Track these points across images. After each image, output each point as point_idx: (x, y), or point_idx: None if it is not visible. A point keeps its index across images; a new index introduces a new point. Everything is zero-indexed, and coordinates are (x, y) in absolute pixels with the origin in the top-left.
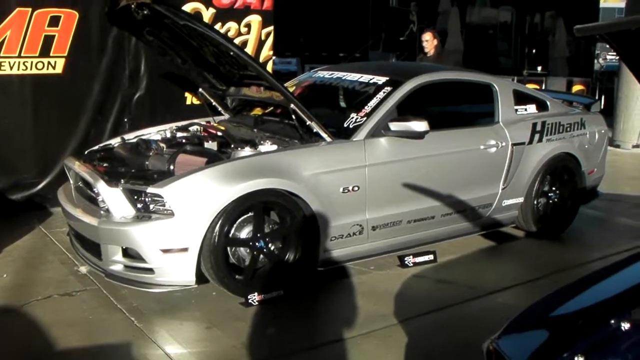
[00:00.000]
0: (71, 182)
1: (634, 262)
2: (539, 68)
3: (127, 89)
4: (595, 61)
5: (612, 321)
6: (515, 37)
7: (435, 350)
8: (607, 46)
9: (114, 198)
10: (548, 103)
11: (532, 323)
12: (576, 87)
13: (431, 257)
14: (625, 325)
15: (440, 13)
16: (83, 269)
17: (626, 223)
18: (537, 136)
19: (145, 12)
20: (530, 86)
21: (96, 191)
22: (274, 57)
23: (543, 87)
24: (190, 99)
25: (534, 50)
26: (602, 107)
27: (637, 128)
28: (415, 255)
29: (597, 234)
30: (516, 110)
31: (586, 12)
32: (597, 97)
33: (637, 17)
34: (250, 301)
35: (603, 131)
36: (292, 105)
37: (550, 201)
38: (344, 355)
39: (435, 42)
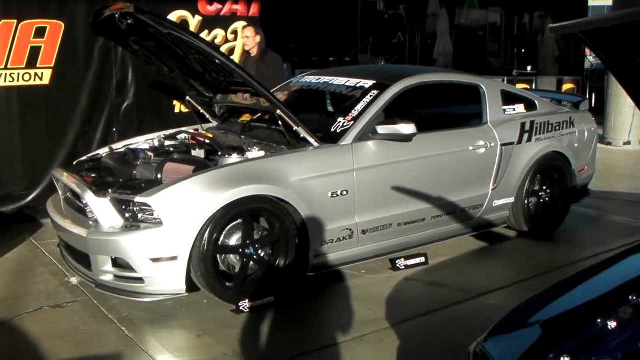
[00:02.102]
0: (60, 193)
1: (619, 260)
2: (529, 68)
3: (114, 99)
4: (586, 60)
5: (599, 320)
6: (505, 37)
7: (427, 353)
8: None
9: (102, 208)
10: (536, 102)
11: (519, 324)
12: (566, 86)
13: (423, 259)
14: (612, 324)
15: (429, 15)
16: (74, 280)
17: (618, 221)
18: (526, 136)
19: (130, 21)
20: (520, 86)
21: (84, 202)
22: None
23: (533, 87)
24: (178, 107)
25: (523, 50)
26: (592, 105)
27: (627, 125)
28: (407, 258)
29: (589, 232)
30: (504, 110)
31: (575, 10)
32: (587, 96)
33: (610, 15)
34: (241, 308)
35: (592, 129)
36: (278, 111)
37: (541, 200)
38: None
39: (258, 38)
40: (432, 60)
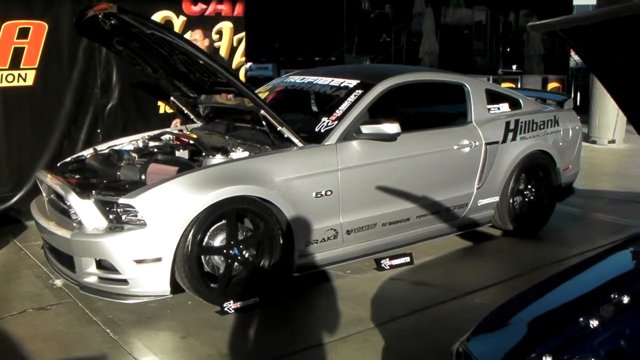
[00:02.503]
0: (44, 195)
1: (601, 259)
2: (514, 67)
3: (99, 100)
4: (571, 58)
5: (581, 319)
6: (490, 36)
7: (413, 353)
8: None
9: (86, 210)
10: (521, 101)
11: (502, 323)
12: (551, 85)
13: (408, 259)
14: (594, 323)
15: (415, 15)
16: (58, 282)
17: (603, 219)
18: (510, 135)
19: (113, 22)
20: (506, 85)
21: (68, 203)
22: (249, 64)
23: (518, 86)
24: (163, 107)
25: (508, 49)
26: (577, 104)
27: (612, 124)
28: (392, 258)
29: (574, 231)
30: (489, 109)
31: (560, 9)
32: (572, 95)
33: (589, 13)
34: (226, 309)
35: (577, 127)
36: (262, 112)
37: (526, 199)
38: None
39: (206, 42)
40: (417, 59)
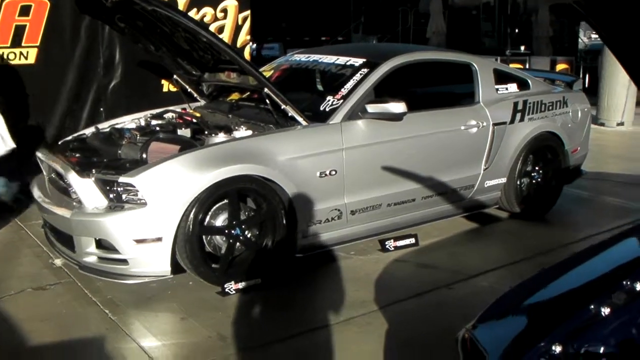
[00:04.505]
0: (44, 173)
1: (612, 244)
2: (522, 48)
3: (102, 78)
4: (580, 40)
5: (592, 306)
6: (498, 17)
7: (416, 336)
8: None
9: (85, 189)
10: (529, 82)
11: (509, 310)
12: (560, 66)
13: (412, 240)
14: (605, 310)
15: None
16: (58, 262)
17: (611, 202)
18: (518, 115)
19: None
20: (514, 66)
21: (68, 182)
22: (251, 42)
23: (526, 67)
24: (166, 86)
25: (517, 30)
26: (586, 85)
27: (620, 106)
28: (397, 239)
29: (582, 213)
30: (497, 89)
31: None
32: (580, 76)
33: None
34: (227, 290)
35: (586, 109)
36: (266, 90)
37: (534, 181)
38: (323, 344)
39: None
40: (425, 39)
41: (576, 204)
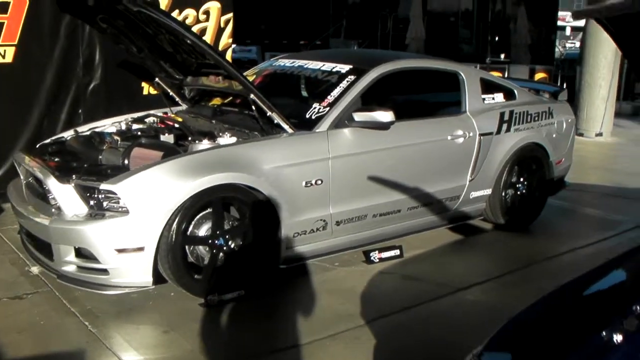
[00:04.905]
0: (22, 177)
1: (616, 266)
2: (502, 56)
3: (81, 79)
4: (557, 49)
5: (604, 333)
6: (477, 24)
7: (404, 352)
8: (567, 34)
9: (65, 195)
10: (515, 92)
11: (517, 337)
12: (539, 75)
13: (397, 252)
14: (618, 337)
15: (402, 0)
16: (35, 270)
17: (594, 214)
18: (505, 126)
19: None
20: (494, 74)
21: (47, 188)
22: (233, 45)
23: (506, 75)
24: (147, 89)
25: (496, 38)
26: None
27: (600, 117)
28: (381, 250)
29: (566, 225)
30: (483, 99)
31: None
32: (560, 85)
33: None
34: (210, 302)
35: (570, 120)
36: (252, 96)
37: (518, 192)
38: (310, 359)
39: None
40: (404, 45)
41: (559, 215)
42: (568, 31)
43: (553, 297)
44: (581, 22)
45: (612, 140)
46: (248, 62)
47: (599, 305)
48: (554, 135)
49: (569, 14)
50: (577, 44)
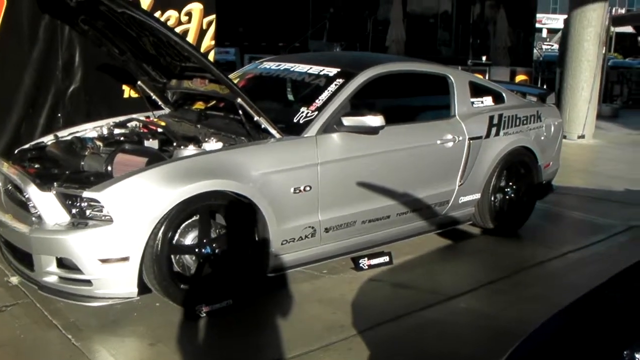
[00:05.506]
0: (0, 185)
1: (629, 278)
2: (484, 58)
3: (60, 82)
4: (534, 51)
5: (625, 352)
6: (455, 26)
7: None
8: (544, 36)
9: (46, 203)
10: (504, 95)
11: (534, 357)
12: (519, 77)
13: (386, 258)
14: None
15: (382, 2)
16: (14, 280)
17: (581, 218)
18: (494, 130)
19: None
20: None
21: (27, 195)
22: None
23: (487, 77)
24: (128, 92)
25: (477, 40)
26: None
27: (582, 119)
28: (370, 257)
29: (554, 229)
30: (472, 103)
31: (524, 1)
32: (541, 87)
33: None
34: (197, 312)
35: (557, 123)
36: (238, 100)
37: (507, 197)
38: None
39: None
40: (384, 47)
41: (546, 219)
42: (544, 33)
43: (565, 314)
44: (558, 24)
45: (594, 143)
46: (226, 64)
47: (616, 322)
48: (542, 139)
49: (546, 16)
50: (555, 46)
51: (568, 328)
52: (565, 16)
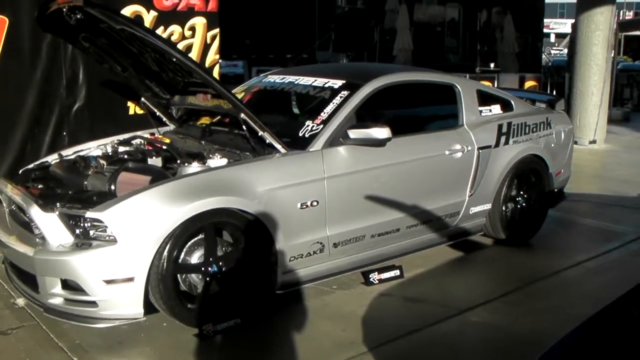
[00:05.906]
0: (4, 205)
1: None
2: (492, 65)
3: (64, 100)
4: (542, 56)
5: None
6: (463, 33)
7: None
8: (552, 41)
9: (49, 224)
10: (512, 103)
11: None
12: (529, 83)
13: (397, 272)
14: None
15: (388, 11)
16: (20, 302)
17: (594, 225)
18: (503, 138)
19: (79, 16)
20: (484, 83)
21: (30, 216)
22: (220, 61)
23: (495, 85)
24: (133, 108)
25: (485, 47)
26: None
27: (593, 124)
28: (381, 271)
29: (566, 238)
30: (480, 111)
31: (531, 6)
32: (550, 93)
33: None
34: (204, 332)
35: (568, 129)
36: (242, 115)
37: (518, 206)
38: None
39: None
40: (391, 56)
41: (559, 227)
42: (552, 38)
43: (588, 325)
44: (566, 29)
45: (605, 147)
46: (235, 77)
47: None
48: (553, 146)
49: (553, 20)
50: (565, 51)
51: (588, 344)
52: (573, 20)
